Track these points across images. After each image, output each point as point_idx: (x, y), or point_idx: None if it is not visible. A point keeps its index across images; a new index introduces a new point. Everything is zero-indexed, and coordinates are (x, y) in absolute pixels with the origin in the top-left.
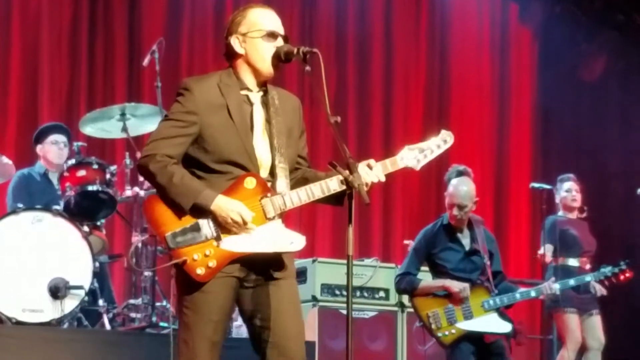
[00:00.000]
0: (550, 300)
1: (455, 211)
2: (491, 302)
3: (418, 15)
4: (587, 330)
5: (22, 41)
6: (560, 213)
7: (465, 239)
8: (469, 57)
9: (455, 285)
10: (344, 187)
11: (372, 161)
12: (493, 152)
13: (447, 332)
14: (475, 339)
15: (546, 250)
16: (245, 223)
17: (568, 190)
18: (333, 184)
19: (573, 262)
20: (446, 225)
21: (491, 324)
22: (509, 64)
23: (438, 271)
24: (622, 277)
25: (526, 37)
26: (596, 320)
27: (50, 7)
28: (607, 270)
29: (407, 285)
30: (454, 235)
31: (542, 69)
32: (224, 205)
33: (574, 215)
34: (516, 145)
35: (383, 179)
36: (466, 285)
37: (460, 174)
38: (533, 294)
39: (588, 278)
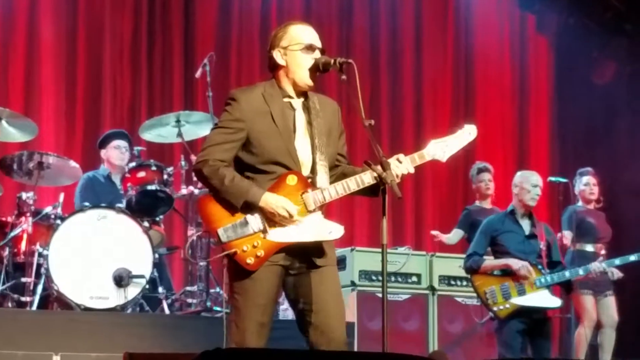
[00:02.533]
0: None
1: (532, 192)
2: (542, 279)
3: (445, 26)
4: (602, 310)
5: (87, 55)
6: (580, 204)
7: (525, 225)
8: (491, 64)
9: (516, 263)
10: (376, 180)
11: (401, 155)
12: (514, 148)
13: (502, 307)
14: (525, 317)
15: (565, 236)
16: (291, 216)
17: (586, 183)
18: (367, 178)
19: (589, 247)
20: (510, 212)
21: (543, 299)
22: (528, 69)
23: (500, 252)
24: None
25: (543, 45)
26: (610, 301)
27: (113, 24)
28: None
29: (472, 263)
30: (516, 221)
31: (558, 74)
32: (271, 201)
33: (591, 206)
34: (535, 142)
35: (412, 170)
36: (526, 263)
37: (480, 170)
38: (581, 272)
39: (632, 257)
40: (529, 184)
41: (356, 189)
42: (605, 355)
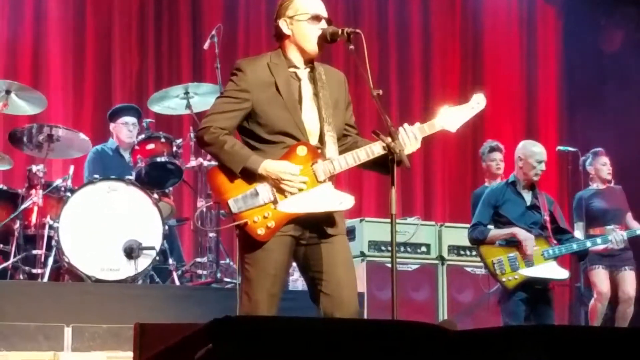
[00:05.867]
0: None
1: (537, 168)
2: (550, 251)
3: None
4: (618, 285)
5: (95, 27)
6: (593, 186)
7: (527, 196)
8: (500, 33)
9: (522, 234)
10: (386, 151)
11: (406, 125)
12: (523, 118)
13: (510, 278)
14: (528, 286)
15: (576, 229)
16: (295, 177)
17: (604, 163)
18: (377, 148)
19: (600, 230)
20: (511, 183)
21: (550, 270)
22: (536, 38)
23: (501, 222)
24: None
25: (551, 14)
26: (627, 276)
27: None
28: None
29: (478, 234)
30: (518, 192)
31: (566, 43)
32: (272, 167)
33: (604, 185)
34: (543, 111)
35: (419, 136)
36: (532, 236)
37: (492, 149)
38: (588, 244)
39: None
40: (534, 159)
41: (366, 159)
42: None
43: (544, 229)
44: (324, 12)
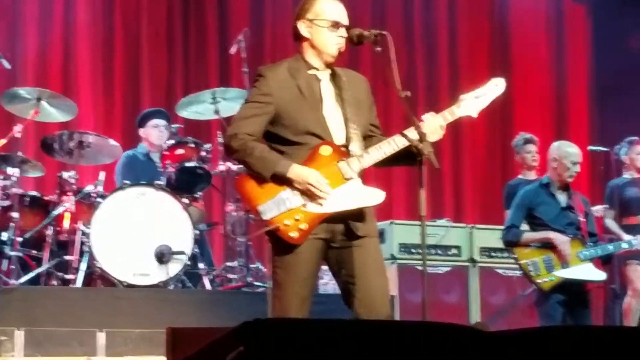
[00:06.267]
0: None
1: (571, 170)
2: (586, 252)
3: None
4: None
5: (123, 34)
6: (626, 175)
7: (561, 197)
8: (528, 33)
9: (558, 238)
10: (409, 141)
11: (431, 113)
12: (553, 117)
13: (546, 279)
14: (565, 288)
15: (607, 217)
16: (323, 187)
17: (639, 152)
18: (401, 140)
19: (633, 220)
20: (545, 184)
21: (587, 272)
22: (565, 37)
23: (536, 224)
24: None
25: (580, 13)
26: None
27: (149, 4)
28: None
29: (512, 237)
30: (552, 193)
31: (595, 41)
32: (300, 173)
33: (638, 174)
34: (573, 111)
35: (444, 123)
36: (568, 239)
37: (527, 141)
38: (625, 245)
39: None
40: (569, 160)
41: (391, 152)
42: None
43: (580, 229)
44: (344, 20)
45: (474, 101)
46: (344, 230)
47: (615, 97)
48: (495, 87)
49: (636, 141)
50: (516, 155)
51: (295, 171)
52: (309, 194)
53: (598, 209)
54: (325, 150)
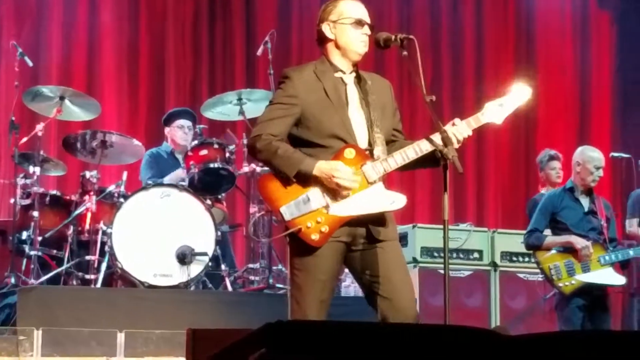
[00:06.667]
0: None
1: (594, 175)
2: (607, 257)
3: (506, 2)
4: None
5: (149, 36)
6: None
7: (584, 201)
8: (553, 39)
9: (579, 242)
10: (434, 147)
11: (457, 120)
12: (576, 124)
13: (567, 283)
14: (586, 293)
15: (629, 226)
16: (348, 178)
17: None
18: (424, 145)
19: None
20: (569, 189)
21: (607, 276)
22: (590, 44)
23: (559, 228)
24: None
25: (605, 20)
26: None
27: (175, 4)
28: None
29: (535, 240)
30: (575, 197)
31: (620, 48)
32: (325, 168)
33: None
34: (597, 117)
35: (470, 132)
36: (589, 243)
37: (552, 157)
38: None
39: None
40: (592, 165)
41: (415, 157)
42: None
43: (601, 234)
44: (367, 18)
45: (499, 109)
46: (365, 234)
47: (639, 104)
48: (520, 95)
49: None
50: (540, 171)
51: (320, 167)
52: (335, 191)
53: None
54: (350, 153)
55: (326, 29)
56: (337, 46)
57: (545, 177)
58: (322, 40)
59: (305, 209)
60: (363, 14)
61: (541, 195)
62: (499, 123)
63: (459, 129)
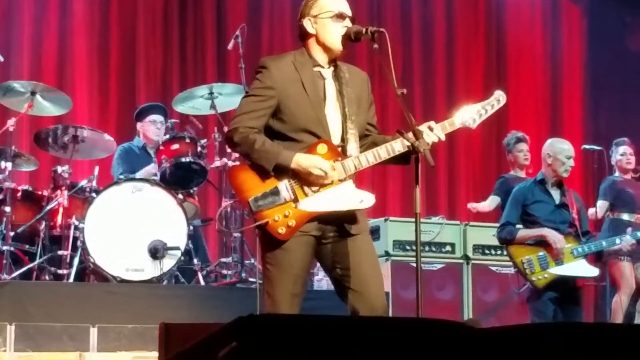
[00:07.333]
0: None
1: (566, 165)
2: (580, 249)
3: None
4: (638, 278)
5: (119, 28)
6: (617, 174)
7: (555, 194)
8: (524, 32)
9: (553, 237)
10: (407, 148)
11: (432, 123)
12: (547, 117)
13: (540, 277)
14: (557, 285)
15: (598, 207)
16: (326, 174)
17: (623, 153)
18: (397, 146)
19: (627, 217)
20: (539, 181)
21: (580, 268)
22: (561, 37)
23: (530, 221)
24: None
25: (575, 13)
26: None
27: None
28: None
29: (507, 234)
30: (546, 190)
31: (591, 41)
32: (303, 162)
33: (628, 176)
34: (568, 110)
35: (443, 137)
36: (562, 237)
37: (519, 140)
38: (618, 241)
39: None
40: (563, 155)
41: (387, 157)
42: None
43: (573, 227)
44: (348, 11)
45: (474, 113)
46: (335, 227)
47: (609, 96)
48: (496, 102)
49: (620, 142)
50: (508, 154)
51: (298, 160)
52: (306, 185)
53: (600, 206)
54: (322, 149)
55: (307, 24)
56: (319, 42)
57: (514, 159)
58: (304, 35)
59: (274, 201)
60: (344, 6)
61: (511, 175)
62: (473, 127)
63: (434, 134)
